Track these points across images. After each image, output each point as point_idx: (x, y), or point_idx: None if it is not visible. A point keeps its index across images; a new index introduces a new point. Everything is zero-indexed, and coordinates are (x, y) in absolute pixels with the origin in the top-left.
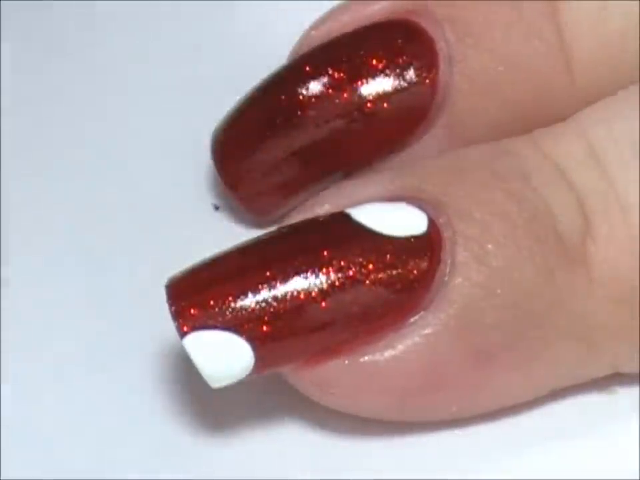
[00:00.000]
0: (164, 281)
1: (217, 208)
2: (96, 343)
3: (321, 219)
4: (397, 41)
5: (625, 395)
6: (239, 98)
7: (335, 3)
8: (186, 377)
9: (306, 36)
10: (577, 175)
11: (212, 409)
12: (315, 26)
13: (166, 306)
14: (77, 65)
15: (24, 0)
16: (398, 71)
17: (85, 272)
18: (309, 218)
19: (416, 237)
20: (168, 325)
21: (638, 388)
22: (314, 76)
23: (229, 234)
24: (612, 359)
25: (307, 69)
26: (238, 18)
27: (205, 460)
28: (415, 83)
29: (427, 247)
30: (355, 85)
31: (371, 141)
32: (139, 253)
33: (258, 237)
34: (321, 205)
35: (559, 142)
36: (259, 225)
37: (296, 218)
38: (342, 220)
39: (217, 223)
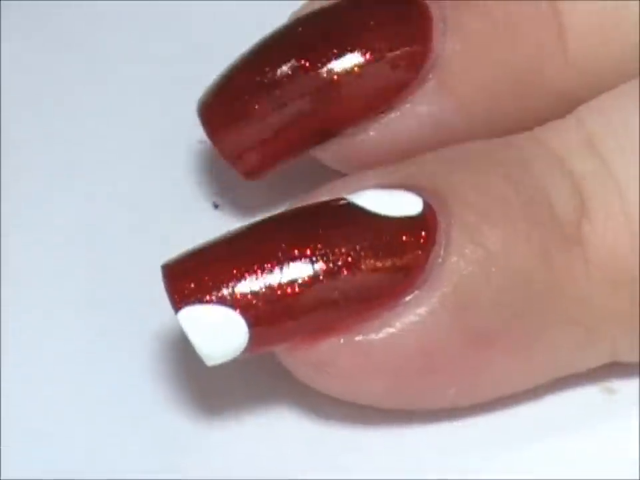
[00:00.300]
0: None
1: (216, 206)
2: (95, 342)
3: (318, 203)
4: (389, 6)
5: (624, 394)
6: None
7: None
8: (183, 369)
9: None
10: (574, 161)
11: (209, 398)
12: (300, 9)
13: (166, 303)
14: (76, 65)
15: (24, 0)
16: (390, 33)
17: (85, 271)
18: (306, 205)
19: (411, 218)
20: (167, 323)
21: (638, 387)
22: (305, 38)
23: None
24: (611, 344)
25: (300, 30)
26: (238, 18)
27: (200, 448)
28: (407, 46)
29: (422, 227)
30: (345, 47)
31: (361, 101)
32: (139, 252)
33: (256, 220)
34: (320, 198)
35: (557, 132)
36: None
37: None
38: (338, 202)
39: (217, 221)
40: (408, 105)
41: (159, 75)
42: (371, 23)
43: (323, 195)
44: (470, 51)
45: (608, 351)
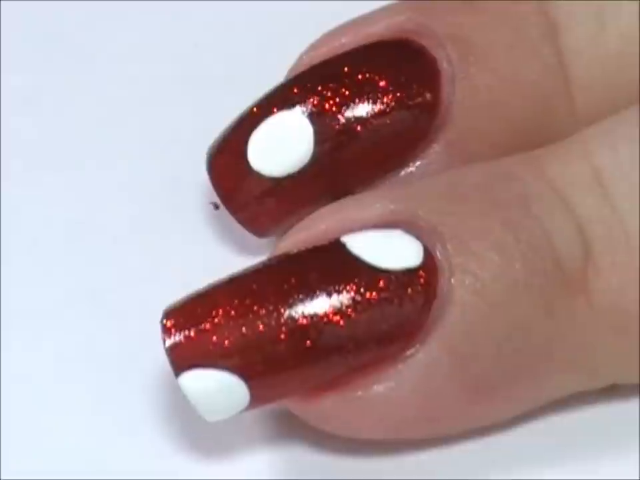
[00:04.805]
0: (164, 280)
1: (217, 207)
2: (95, 344)
3: (316, 249)
4: (398, 59)
5: (625, 395)
6: (239, 97)
7: (335, 3)
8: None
9: (299, 61)
10: (579, 200)
11: (211, 425)
12: (309, 50)
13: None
14: (76, 64)
15: (24, 0)
16: (398, 90)
17: (84, 272)
18: (304, 249)
19: (411, 270)
20: None
21: (638, 388)
22: (304, 96)
23: (229, 233)
24: (612, 379)
25: (295, 90)
26: (238, 16)
27: (201, 475)
28: (416, 103)
29: (422, 280)
30: (352, 104)
31: (370, 161)
32: (139, 253)
33: (251, 268)
34: (318, 225)
35: (562, 165)
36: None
37: (292, 237)
38: (337, 251)
39: (217, 223)
40: (416, 165)
41: (161, 75)
42: (379, 78)
43: (320, 224)
44: (478, 106)
45: (608, 382)
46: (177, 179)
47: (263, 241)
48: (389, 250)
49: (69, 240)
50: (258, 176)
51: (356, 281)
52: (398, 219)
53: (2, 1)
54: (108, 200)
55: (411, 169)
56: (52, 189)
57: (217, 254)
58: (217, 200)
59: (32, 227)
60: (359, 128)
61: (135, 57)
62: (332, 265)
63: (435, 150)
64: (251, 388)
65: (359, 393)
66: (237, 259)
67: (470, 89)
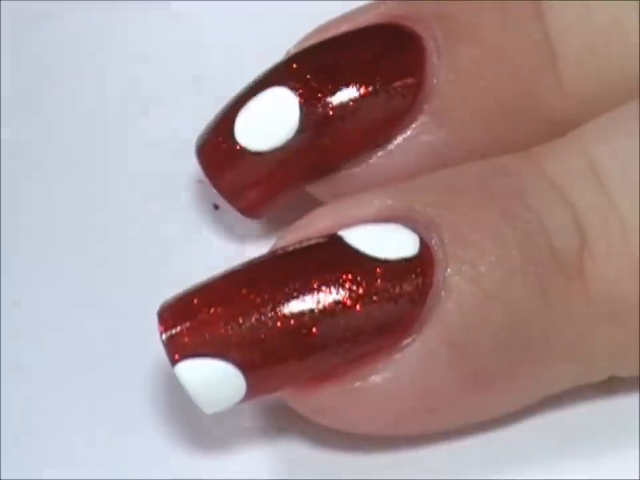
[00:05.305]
0: (163, 279)
1: (216, 207)
2: (94, 345)
3: (313, 242)
4: (383, 39)
5: (624, 395)
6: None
7: (335, 3)
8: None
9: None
10: (576, 192)
11: (209, 420)
12: (296, 45)
13: None
14: (75, 64)
15: (24, 0)
16: (384, 67)
17: (84, 272)
18: (301, 243)
19: (407, 260)
20: None
21: (638, 388)
22: (299, 74)
23: (229, 233)
24: (610, 370)
25: (294, 66)
26: (238, 16)
27: (199, 470)
28: (401, 82)
29: (418, 269)
30: (337, 81)
31: (356, 135)
32: (139, 252)
33: (249, 260)
34: (317, 223)
35: (559, 159)
36: (258, 223)
37: (289, 236)
38: (333, 243)
39: (217, 222)
40: (404, 137)
41: (161, 75)
42: (366, 56)
43: (317, 222)
44: (464, 80)
45: (606, 374)
46: (177, 178)
47: (263, 239)
48: (385, 241)
49: (69, 240)
50: (245, 152)
51: (353, 270)
52: (395, 213)
53: (2, 1)
54: (107, 200)
55: (399, 140)
56: (52, 189)
57: (216, 252)
58: (216, 199)
59: (32, 227)
60: (344, 103)
61: (135, 56)
62: (329, 255)
63: (422, 121)
64: (247, 378)
65: (357, 383)
66: (236, 256)
67: (455, 61)
